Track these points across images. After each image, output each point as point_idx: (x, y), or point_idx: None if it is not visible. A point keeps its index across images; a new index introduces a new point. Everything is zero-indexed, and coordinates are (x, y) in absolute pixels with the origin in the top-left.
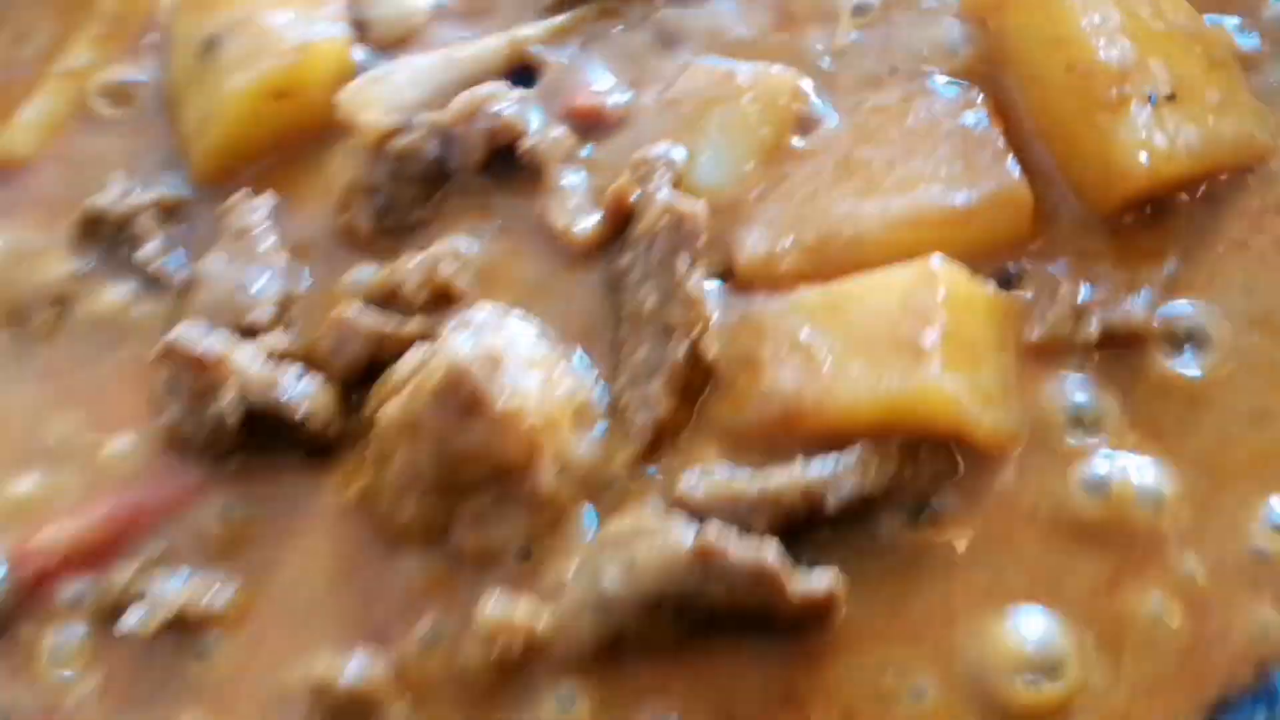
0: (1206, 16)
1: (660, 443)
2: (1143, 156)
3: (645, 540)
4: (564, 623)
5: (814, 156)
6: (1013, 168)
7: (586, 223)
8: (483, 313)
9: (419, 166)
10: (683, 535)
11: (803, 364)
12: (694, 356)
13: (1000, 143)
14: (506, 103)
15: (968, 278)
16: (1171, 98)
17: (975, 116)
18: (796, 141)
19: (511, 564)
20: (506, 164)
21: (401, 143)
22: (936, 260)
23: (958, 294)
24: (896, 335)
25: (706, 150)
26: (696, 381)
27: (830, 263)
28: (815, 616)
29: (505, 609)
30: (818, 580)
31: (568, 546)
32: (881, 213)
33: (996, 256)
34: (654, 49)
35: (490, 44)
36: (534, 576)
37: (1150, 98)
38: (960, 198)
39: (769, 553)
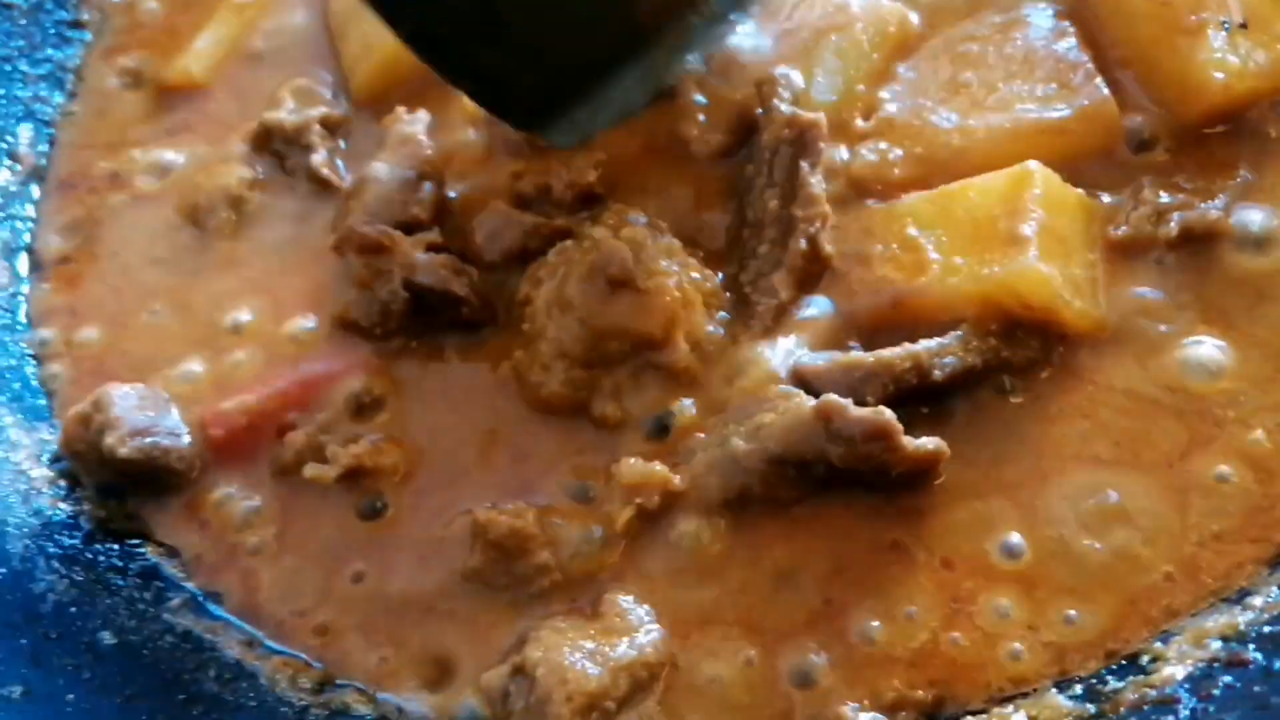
0: None
1: (780, 327)
2: (1218, 75)
3: (770, 406)
4: (697, 480)
5: (920, 79)
6: (1101, 87)
7: (713, 133)
8: (625, 211)
9: None
10: (805, 400)
11: (911, 256)
12: (813, 250)
13: (1090, 65)
14: None
15: (1060, 180)
16: (1244, 26)
17: (1066, 44)
18: (904, 68)
19: (647, 433)
20: None
21: None
22: (1033, 164)
23: (1051, 193)
24: (996, 228)
25: (821, 74)
26: (815, 273)
27: (936, 172)
28: (921, 474)
29: (643, 469)
30: (926, 440)
31: (699, 416)
32: (984, 126)
33: (1088, 165)
34: None
35: None
36: (668, 443)
37: (1224, 24)
38: (1055, 113)
39: (886, 413)
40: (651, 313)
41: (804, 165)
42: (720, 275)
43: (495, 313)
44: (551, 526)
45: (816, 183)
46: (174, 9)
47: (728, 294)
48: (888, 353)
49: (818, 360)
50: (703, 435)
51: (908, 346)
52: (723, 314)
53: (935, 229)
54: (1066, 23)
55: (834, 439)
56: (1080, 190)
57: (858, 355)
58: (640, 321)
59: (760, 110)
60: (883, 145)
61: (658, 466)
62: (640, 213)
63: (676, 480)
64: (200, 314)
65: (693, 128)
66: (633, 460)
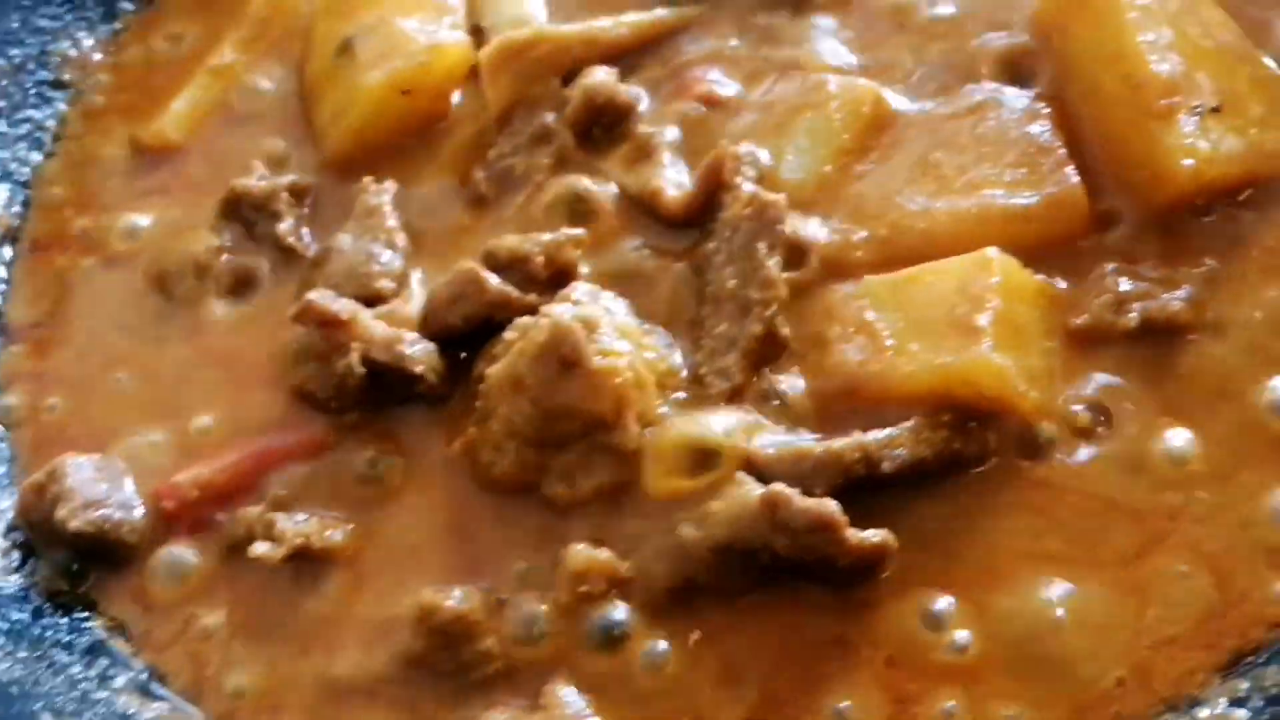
0: None
1: (734, 409)
2: (1187, 161)
3: (718, 493)
4: (644, 568)
5: (889, 160)
6: (1071, 175)
7: (681, 190)
8: (582, 289)
9: (538, 133)
10: (753, 488)
11: (866, 341)
12: (768, 332)
13: (1061, 151)
14: (612, 78)
15: (1019, 267)
16: (1217, 110)
17: (1039, 127)
18: (875, 149)
19: (596, 514)
20: (611, 135)
21: (524, 113)
22: (992, 251)
23: (1010, 281)
24: (953, 316)
25: (792, 152)
26: (770, 356)
27: (899, 255)
28: (867, 568)
29: (589, 555)
30: (872, 534)
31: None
32: (949, 210)
33: (1053, 252)
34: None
35: (628, 20)
36: (616, 526)
37: (1197, 109)
38: (1022, 200)
39: (830, 504)
40: (602, 393)
41: (761, 246)
42: (682, 353)
43: (452, 389)
44: (497, 612)
45: (774, 265)
46: (154, 71)
47: (684, 374)
48: (837, 443)
49: (768, 448)
50: (645, 524)
51: (857, 436)
52: (679, 394)
53: (892, 313)
54: (1041, 104)
55: (779, 529)
56: (1041, 277)
57: (807, 444)
58: (591, 402)
59: (723, 187)
60: (848, 225)
61: (604, 554)
62: (598, 288)
63: (624, 568)
64: (164, 382)
65: (662, 182)
66: (580, 546)
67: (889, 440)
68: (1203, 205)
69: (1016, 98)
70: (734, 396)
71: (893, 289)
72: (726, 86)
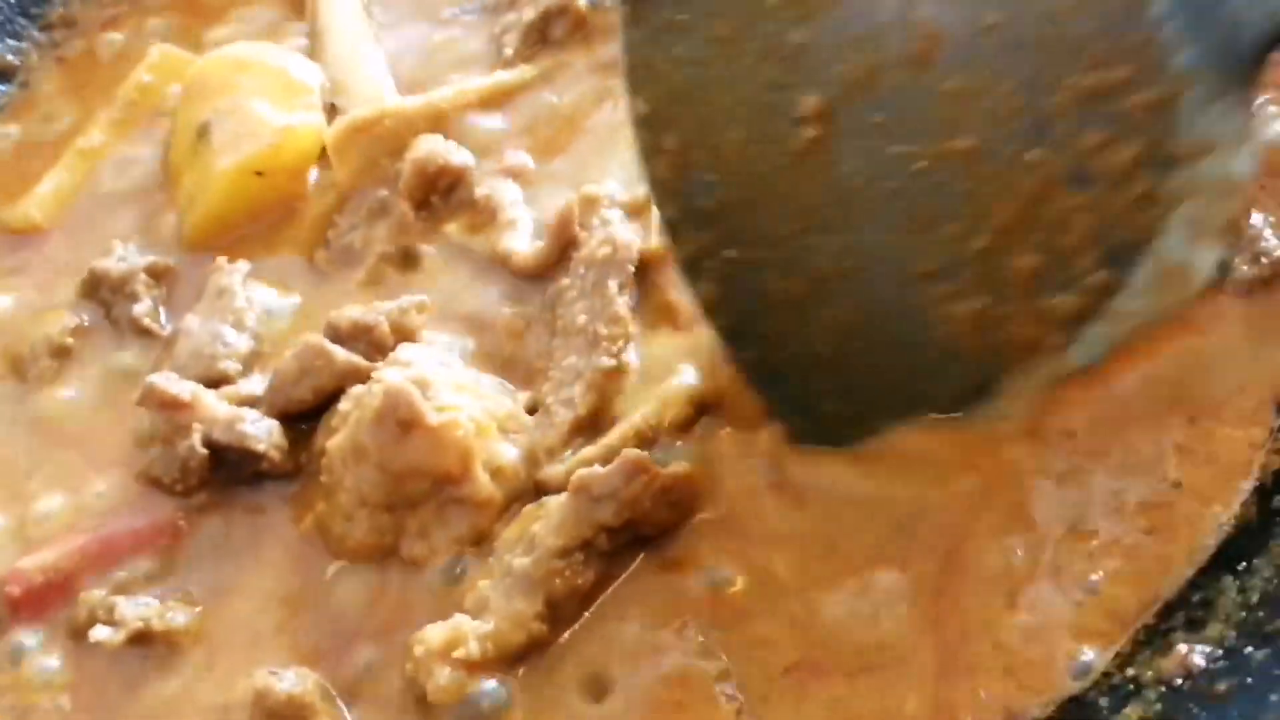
0: None
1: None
2: None
3: (534, 519)
4: (500, 612)
5: None
6: None
7: (531, 248)
8: (410, 350)
9: (375, 208)
10: (555, 495)
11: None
12: (615, 367)
13: None
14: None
15: None
16: None
17: None
18: None
19: (443, 578)
20: (449, 201)
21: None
22: None
23: None
24: None
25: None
26: (615, 390)
27: None
28: (690, 499)
29: (446, 628)
30: (675, 466)
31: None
32: None
33: None
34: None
35: (471, 86)
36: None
37: None
38: None
39: (631, 452)
40: (445, 448)
41: (612, 284)
42: (522, 395)
43: (301, 465)
44: (335, 696)
45: (623, 302)
46: (24, 154)
47: (527, 414)
48: (610, 435)
49: (557, 468)
50: (485, 581)
51: (625, 421)
52: (518, 435)
53: None
54: None
55: (600, 501)
56: None
57: (586, 451)
58: (435, 458)
59: (579, 227)
60: None
61: (458, 618)
62: (427, 346)
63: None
64: (13, 466)
65: (512, 242)
66: (431, 625)
67: (654, 415)
68: None
69: None
70: (576, 428)
71: None
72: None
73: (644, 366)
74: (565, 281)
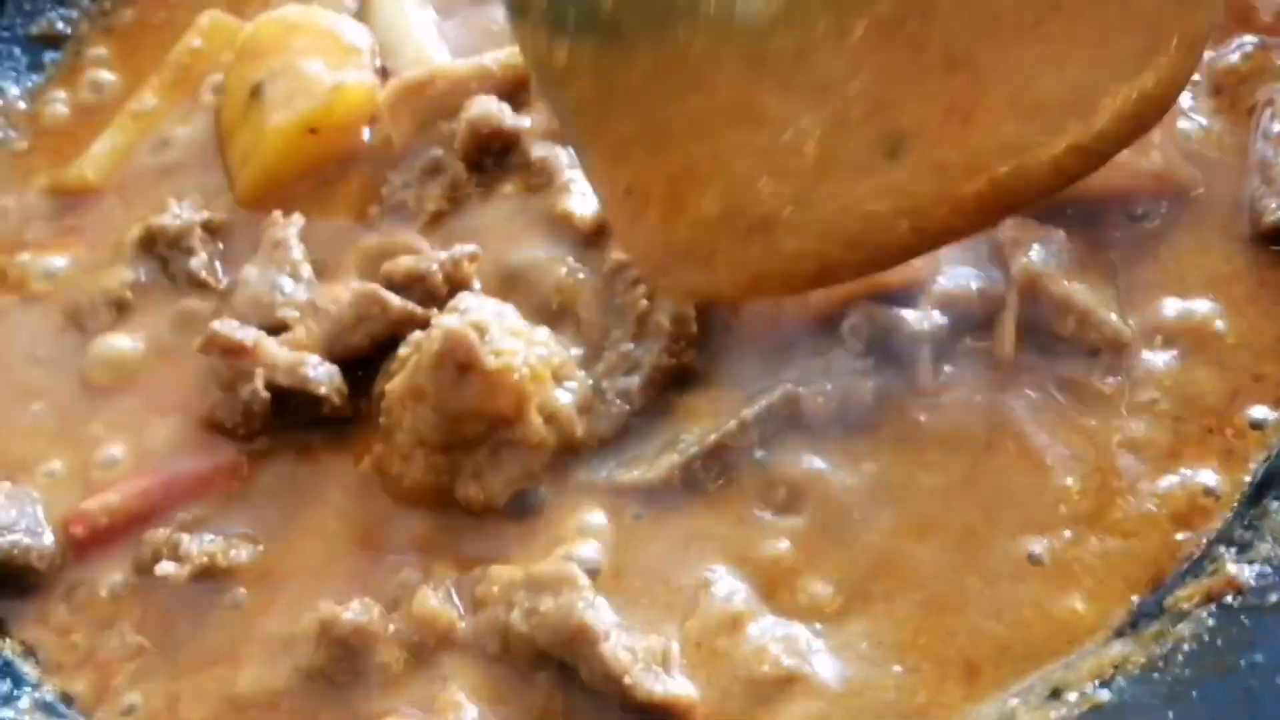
0: None
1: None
2: None
3: (554, 591)
4: (479, 634)
5: None
6: None
7: (591, 210)
8: (467, 298)
9: (429, 167)
10: (579, 608)
11: None
12: (677, 362)
13: None
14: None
15: None
16: None
17: None
18: None
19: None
20: (503, 163)
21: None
22: None
23: None
24: None
25: None
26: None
27: None
28: None
29: (433, 608)
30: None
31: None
32: None
33: None
34: None
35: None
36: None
37: None
38: None
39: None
40: (501, 391)
41: None
42: (571, 349)
43: (358, 408)
44: (397, 622)
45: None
46: (78, 116)
47: (586, 375)
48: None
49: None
50: (496, 589)
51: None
52: (576, 382)
53: None
54: None
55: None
56: None
57: None
58: (491, 401)
59: None
60: None
61: (449, 609)
62: (483, 296)
63: (461, 626)
64: (77, 414)
65: (571, 203)
66: (430, 594)
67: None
68: None
69: None
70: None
71: None
72: None
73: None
74: (623, 255)
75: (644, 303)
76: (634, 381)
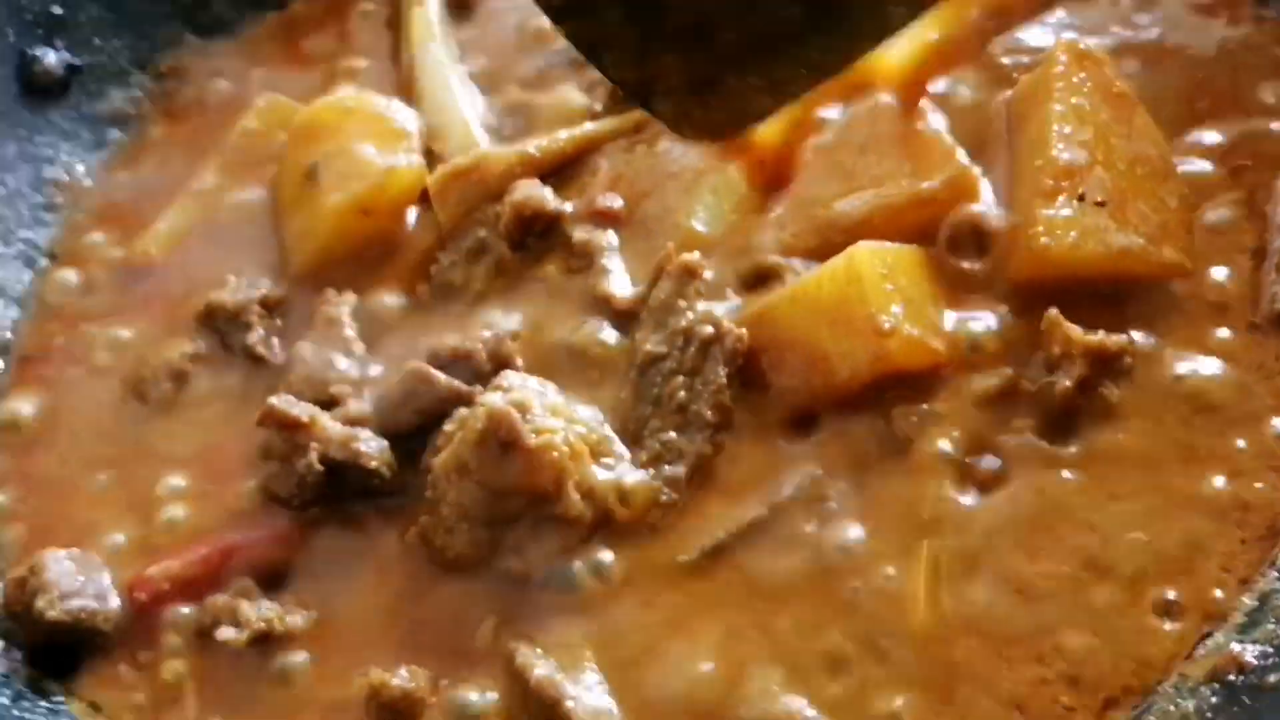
0: None
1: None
2: (1045, 240)
3: None
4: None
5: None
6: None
7: (631, 292)
8: (511, 377)
9: (475, 247)
10: None
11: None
12: (711, 453)
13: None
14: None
15: (888, 247)
16: (1101, 204)
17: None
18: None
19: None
20: (545, 242)
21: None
22: (861, 246)
23: (889, 262)
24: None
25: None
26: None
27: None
28: None
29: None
30: None
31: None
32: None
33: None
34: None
35: (561, 137)
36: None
37: (1081, 196)
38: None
39: None
40: (541, 468)
41: (718, 368)
42: (608, 427)
43: (406, 482)
44: (445, 689)
45: (728, 394)
46: (141, 195)
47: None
48: None
49: None
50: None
51: None
52: (608, 459)
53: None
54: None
55: None
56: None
57: None
58: (532, 477)
59: (678, 296)
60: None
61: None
62: (525, 375)
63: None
64: (140, 483)
65: (610, 284)
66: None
67: None
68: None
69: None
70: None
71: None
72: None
73: None
74: (658, 348)
75: (682, 394)
76: (680, 471)
